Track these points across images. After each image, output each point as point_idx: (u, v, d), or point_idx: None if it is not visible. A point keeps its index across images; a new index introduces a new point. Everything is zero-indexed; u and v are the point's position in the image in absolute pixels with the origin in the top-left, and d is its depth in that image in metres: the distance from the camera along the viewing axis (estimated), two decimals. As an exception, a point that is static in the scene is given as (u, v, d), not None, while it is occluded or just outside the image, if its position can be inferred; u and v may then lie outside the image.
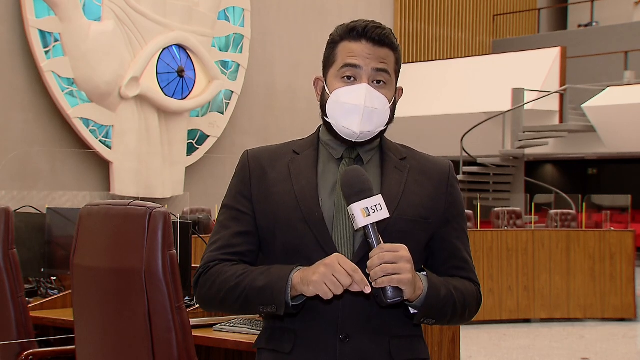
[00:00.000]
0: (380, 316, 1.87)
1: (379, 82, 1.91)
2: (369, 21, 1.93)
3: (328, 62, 1.96)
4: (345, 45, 1.92)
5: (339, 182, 1.85)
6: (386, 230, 1.83)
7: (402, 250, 1.76)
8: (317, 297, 1.77)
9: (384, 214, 1.77)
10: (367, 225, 1.77)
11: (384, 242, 1.78)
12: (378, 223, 1.78)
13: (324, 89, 1.96)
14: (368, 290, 1.73)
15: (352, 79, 1.90)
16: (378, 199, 1.77)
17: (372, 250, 1.76)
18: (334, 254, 1.78)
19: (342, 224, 1.87)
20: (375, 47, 1.90)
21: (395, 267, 1.74)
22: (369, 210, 1.76)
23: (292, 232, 1.88)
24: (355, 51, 1.90)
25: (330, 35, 1.97)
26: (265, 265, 1.90)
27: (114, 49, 11.66)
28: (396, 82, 1.96)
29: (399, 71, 1.97)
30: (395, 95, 1.96)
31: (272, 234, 1.91)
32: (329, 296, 1.74)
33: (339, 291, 1.73)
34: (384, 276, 1.73)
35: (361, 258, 1.81)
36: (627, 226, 12.79)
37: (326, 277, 1.73)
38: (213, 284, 1.90)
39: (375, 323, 1.87)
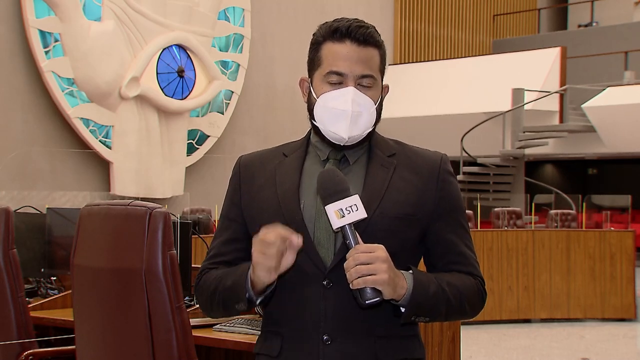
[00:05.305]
0: (365, 317, 1.85)
1: (364, 84, 1.89)
2: (351, 20, 1.92)
3: (313, 63, 1.95)
4: (329, 46, 1.91)
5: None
6: (369, 229, 1.82)
7: (379, 250, 1.74)
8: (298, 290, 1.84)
9: (360, 214, 1.75)
10: (344, 226, 1.75)
11: (368, 242, 1.76)
12: (357, 223, 1.76)
13: (310, 91, 1.96)
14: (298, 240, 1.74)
15: (338, 82, 1.89)
16: (354, 200, 1.75)
17: (349, 251, 1.75)
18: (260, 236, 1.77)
19: (324, 225, 1.86)
20: (359, 48, 1.88)
21: (370, 267, 1.72)
22: (344, 212, 1.74)
23: None
24: (339, 54, 1.88)
25: (314, 34, 1.96)
26: None
27: (114, 49, 11.65)
28: (382, 80, 1.95)
29: (384, 69, 1.96)
30: (381, 94, 1.95)
31: None
32: (270, 274, 1.75)
33: (271, 262, 1.74)
34: (359, 277, 1.72)
35: (341, 259, 1.79)
36: (627, 226, 12.77)
37: (256, 258, 1.74)
38: (203, 292, 1.96)
39: (359, 324, 1.85)
